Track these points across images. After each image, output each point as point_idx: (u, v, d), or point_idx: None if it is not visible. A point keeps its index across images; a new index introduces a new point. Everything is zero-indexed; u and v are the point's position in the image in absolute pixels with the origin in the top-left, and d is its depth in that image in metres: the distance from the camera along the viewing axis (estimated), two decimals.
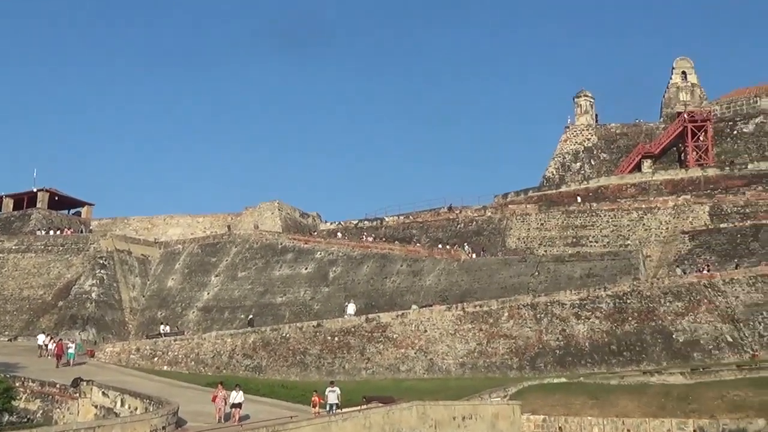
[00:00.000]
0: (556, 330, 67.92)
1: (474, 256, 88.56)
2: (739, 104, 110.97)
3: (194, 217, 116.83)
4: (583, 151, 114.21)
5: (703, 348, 65.15)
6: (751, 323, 67.00)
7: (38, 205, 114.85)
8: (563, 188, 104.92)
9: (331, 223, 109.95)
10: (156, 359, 75.36)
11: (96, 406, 50.34)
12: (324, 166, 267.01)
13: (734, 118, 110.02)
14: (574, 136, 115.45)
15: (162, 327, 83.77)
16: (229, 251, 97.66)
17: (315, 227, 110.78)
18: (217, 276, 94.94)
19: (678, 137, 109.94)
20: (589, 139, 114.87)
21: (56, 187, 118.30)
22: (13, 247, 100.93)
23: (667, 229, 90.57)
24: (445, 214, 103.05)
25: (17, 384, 55.06)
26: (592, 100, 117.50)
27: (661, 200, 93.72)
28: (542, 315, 69.12)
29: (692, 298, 68.54)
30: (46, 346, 76.06)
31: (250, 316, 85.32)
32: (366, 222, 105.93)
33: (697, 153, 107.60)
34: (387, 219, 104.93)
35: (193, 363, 73.96)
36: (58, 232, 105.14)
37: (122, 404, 47.47)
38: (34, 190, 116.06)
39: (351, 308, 77.15)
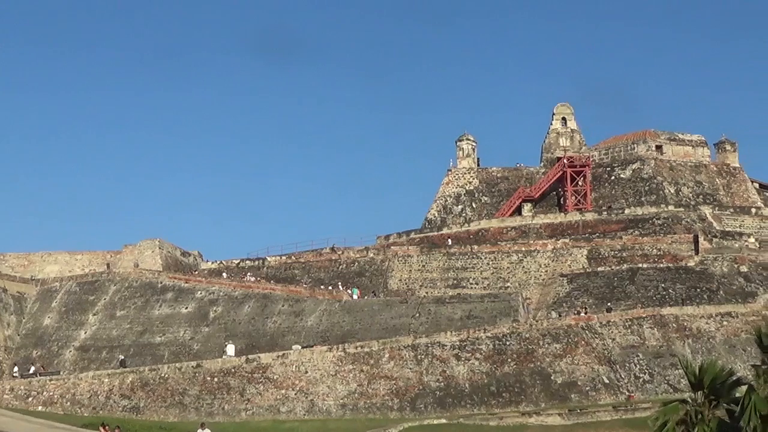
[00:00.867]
0: (436, 371, 68.24)
1: (362, 297, 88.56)
2: (616, 150, 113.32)
3: (72, 254, 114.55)
4: (464, 194, 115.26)
5: (580, 389, 66.10)
6: (627, 365, 68.25)
7: None
8: (445, 230, 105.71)
9: (213, 262, 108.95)
10: (31, 399, 73.64)
11: None
12: (206, 204, 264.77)
13: (612, 164, 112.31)
14: (456, 179, 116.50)
15: (32, 367, 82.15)
16: (108, 289, 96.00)
17: (196, 266, 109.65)
18: (95, 315, 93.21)
19: (557, 182, 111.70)
20: (470, 183, 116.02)
21: None
22: None
23: (546, 271, 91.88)
24: (327, 254, 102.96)
25: None
26: (474, 144, 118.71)
27: (540, 243, 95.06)
28: (423, 356, 69.41)
29: (570, 340, 69.58)
30: None
31: (122, 357, 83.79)
32: (248, 261, 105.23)
33: (576, 198, 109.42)
34: (269, 259, 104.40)
35: (69, 403, 72.43)
36: None
37: None
38: None
39: (231, 349, 76.48)
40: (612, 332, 70.58)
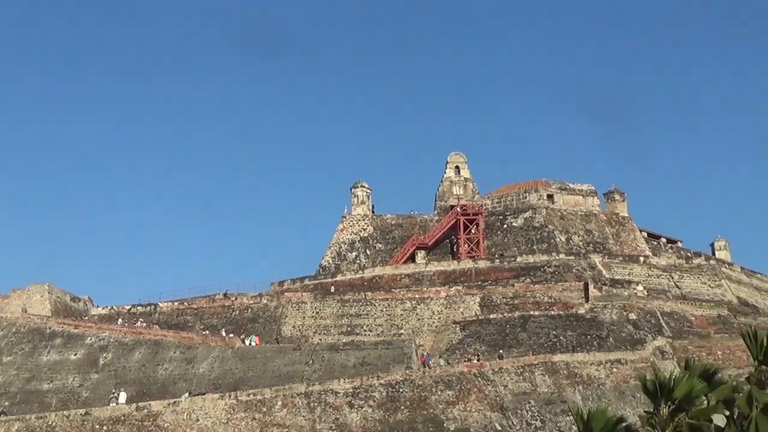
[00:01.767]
0: (329, 419, 67.92)
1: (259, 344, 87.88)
2: (509, 199, 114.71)
3: None
4: (359, 240, 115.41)
5: None
6: (519, 412, 68.70)
7: None
8: (339, 277, 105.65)
9: (104, 308, 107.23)
10: None
11: None
12: (97, 248, 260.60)
13: (504, 212, 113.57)
14: (351, 226, 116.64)
15: None
16: None
17: (86, 311, 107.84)
18: None
19: (451, 230, 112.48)
20: (365, 230, 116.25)
21: None
22: None
23: (440, 318, 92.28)
24: (220, 300, 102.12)
25: None
26: (368, 191, 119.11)
27: (433, 290, 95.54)
28: (316, 404, 69.05)
29: (463, 387, 69.83)
30: None
31: (1, 409, 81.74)
32: (139, 307, 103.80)
33: (469, 245, 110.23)
34: (161, 304, 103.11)
35: None
36: None
37: None
38: None
39: (122, 396, 75.20)
40: (504, 379, 71.05)
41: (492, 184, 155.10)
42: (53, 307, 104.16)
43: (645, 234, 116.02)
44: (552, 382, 72.34)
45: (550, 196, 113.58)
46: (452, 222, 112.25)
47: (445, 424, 67.09)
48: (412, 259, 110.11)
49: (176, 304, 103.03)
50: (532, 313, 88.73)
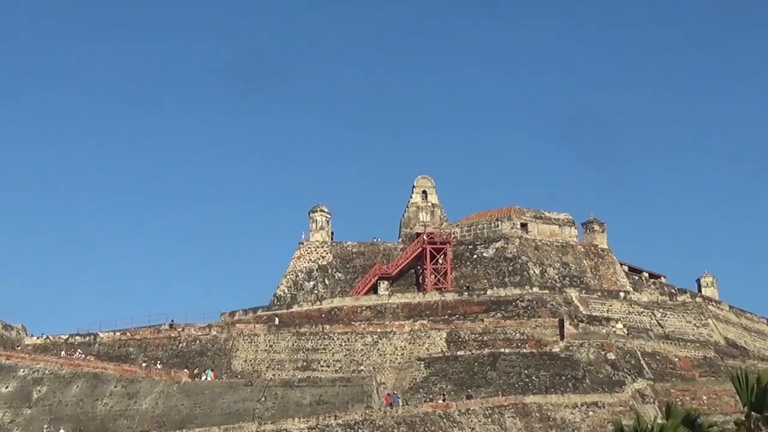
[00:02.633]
0: None
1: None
2: (480, 227, 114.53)
3: None
4: (317, 269, 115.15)
5: None
6: None
7: None
8: (295, 308, 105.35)
9: (38, 337, 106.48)
10: None
11: None
12: (32, 273, 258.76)
13: (474, 241, 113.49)
14: (309, 253, 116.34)
15: None
16: None
17: (19, 341, 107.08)
18: None
19: (416, 259, 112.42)
20: (324, 257, 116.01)
21: None
22: None
23: (403, 354, 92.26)
24: (166, 331, 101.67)
25: None
26: (328, 216, 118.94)
27: (397, 324, 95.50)
28: None
29: (427, 429, 69.87)
30: None
31: None
32: (78, 337, 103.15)
33: (436, 276, 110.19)
34: (101, 335, 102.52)
35: None
36: None
37: None
38: None
39: None
40: (471, 421, 71.16)
41: (461, 211, 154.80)
42: None
43: (626, 268, 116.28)
44: (523, 425, 72.56)
45: (524, 225, 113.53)
46: (418, 251, 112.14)
47: None
48: (374, 289, 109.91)
49: (118, 334, 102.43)
50: (502, 350, 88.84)
